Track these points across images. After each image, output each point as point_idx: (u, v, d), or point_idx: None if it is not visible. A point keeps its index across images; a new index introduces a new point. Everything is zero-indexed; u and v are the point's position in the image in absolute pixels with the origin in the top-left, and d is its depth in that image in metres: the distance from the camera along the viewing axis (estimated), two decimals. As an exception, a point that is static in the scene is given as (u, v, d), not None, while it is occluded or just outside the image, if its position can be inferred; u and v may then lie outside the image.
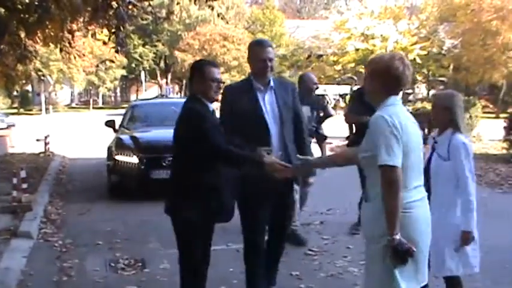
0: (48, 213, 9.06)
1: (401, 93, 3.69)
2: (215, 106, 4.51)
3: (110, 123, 12.23)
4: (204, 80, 4.39)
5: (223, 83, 4.60)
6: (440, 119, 4.57)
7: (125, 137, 11.26)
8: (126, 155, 10.56)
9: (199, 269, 4.54)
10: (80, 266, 6.51)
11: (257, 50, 4.85)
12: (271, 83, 4.87)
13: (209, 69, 4.41)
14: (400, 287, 3.46)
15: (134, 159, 10.42)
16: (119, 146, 10.97)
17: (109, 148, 11.34)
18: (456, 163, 4.33)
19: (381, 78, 3.60)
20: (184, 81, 59.62)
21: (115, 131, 12.04)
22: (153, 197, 9.13)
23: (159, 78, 62.57)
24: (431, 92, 42.86)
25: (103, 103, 67.47)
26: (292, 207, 5.32)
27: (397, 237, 3.35)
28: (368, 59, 4.31)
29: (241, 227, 4.97)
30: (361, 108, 6.70)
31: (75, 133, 24.93)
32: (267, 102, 4.82)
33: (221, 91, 4.65)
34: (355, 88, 33.09)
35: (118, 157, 10.67)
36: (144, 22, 19.08)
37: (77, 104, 64.49)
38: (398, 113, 3.52)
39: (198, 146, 4.26)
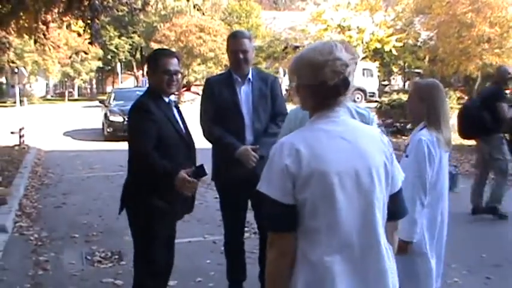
0: (24, 207, 8.97)
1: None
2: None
3: (102, 102, 23.71)
4: (156, 72, 4.03)
5: (182, 73, 4.31)
6: (415, 111, 3.91)
7: (114, 108, 19.88)
8: (116, 116, 19.10)
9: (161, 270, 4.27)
10: (56, 259, 6.46)
11: (230, 42, 4.71)
12: (250, 75, 4.73)
13: (163, 61, 4.02)
14: None
15: (120, 119, 18.64)
16: (111, 111, 19.59)
17: (105, 113, 20.17)
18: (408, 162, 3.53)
19: None
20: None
21: (105, 106, 21.46)
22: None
23: (135, 69, 62.26)
24: (407, 83, 43.14)
25: (79, 95, 66.79)
26: None
27: None
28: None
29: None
30: None
31: (51, 125, 24.68)
32: (243, 94, 4.71)
33: (183, 83, 4.47)
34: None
35: (111, 118, 19.30)
36: (120, 13, 18.89)
37: (52, 96, 63.65)
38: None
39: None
